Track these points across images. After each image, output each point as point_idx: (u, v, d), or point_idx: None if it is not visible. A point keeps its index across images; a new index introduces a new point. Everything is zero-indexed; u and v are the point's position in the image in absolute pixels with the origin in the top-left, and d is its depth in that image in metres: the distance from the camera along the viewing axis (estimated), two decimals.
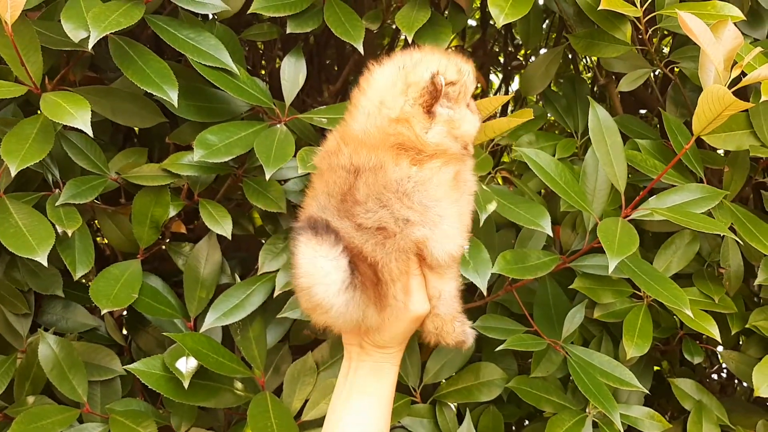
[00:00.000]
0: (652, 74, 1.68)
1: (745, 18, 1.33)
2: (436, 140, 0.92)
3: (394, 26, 2.55)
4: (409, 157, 0.90)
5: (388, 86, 0.93)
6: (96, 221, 1.54)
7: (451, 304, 1.00)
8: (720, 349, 1.83)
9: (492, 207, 1.21)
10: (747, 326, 1.52)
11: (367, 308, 0.92)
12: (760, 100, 1.28)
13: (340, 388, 1.01)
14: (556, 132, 2.25)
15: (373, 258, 0.89)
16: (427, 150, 0.91)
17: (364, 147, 0.90)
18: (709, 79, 1.23)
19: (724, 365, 2.26)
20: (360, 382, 0.99)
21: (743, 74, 1.23)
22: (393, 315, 0.94)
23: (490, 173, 1.57)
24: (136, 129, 1.88)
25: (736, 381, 2.29)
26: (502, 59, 2.80)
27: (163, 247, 1.53)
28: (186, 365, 1.29)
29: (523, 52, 2.76)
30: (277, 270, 1.38)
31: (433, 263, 0.95)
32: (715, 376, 2.30)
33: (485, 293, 1.24)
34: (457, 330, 1.01)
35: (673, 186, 1.40)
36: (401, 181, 0.89)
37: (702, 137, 1.40)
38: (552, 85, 1.74)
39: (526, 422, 1.83)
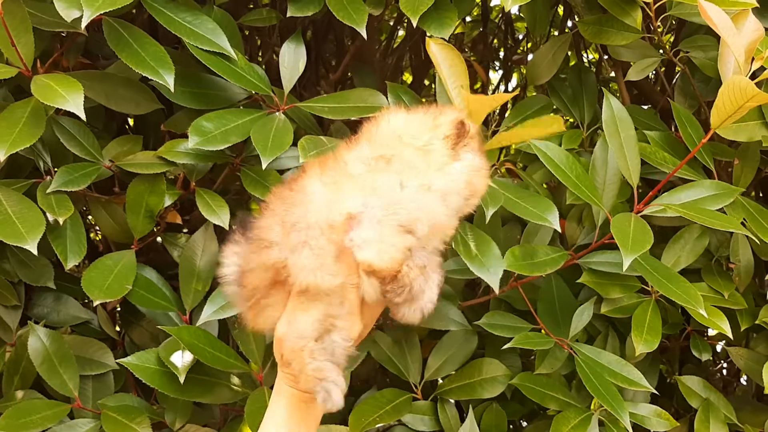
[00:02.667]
0: (657, 67, 1.65)
1: (758, 5, 1.29)
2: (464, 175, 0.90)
3: (391, 22, 2.54)
4: None
5: (412, 127, 0.89)
6: (88, 212, 1.50)
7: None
8: (721, 345, 1.80)
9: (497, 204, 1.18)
10: (757, 322, 1.49)
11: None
12: None
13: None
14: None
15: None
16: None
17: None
18: (729, 71, 1.20)
19: (725, 363, 2.24)
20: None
21: (761, 68, 1.20)
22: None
23: (494, 165, 1.53)
24: (131, 121, 1.84)
25: (736, 379, 2.27)
26: (502, 54, 2.77)
27: (158, 238, 1.49)
28: (181, 359, 1.25)
29: (521, 48, 2.73)
30: None
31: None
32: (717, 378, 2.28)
33: (497, 291, 1.21)
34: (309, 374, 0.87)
35: (683, 179, 1.37)
36: None
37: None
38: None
39: (525, 423, 1.80)
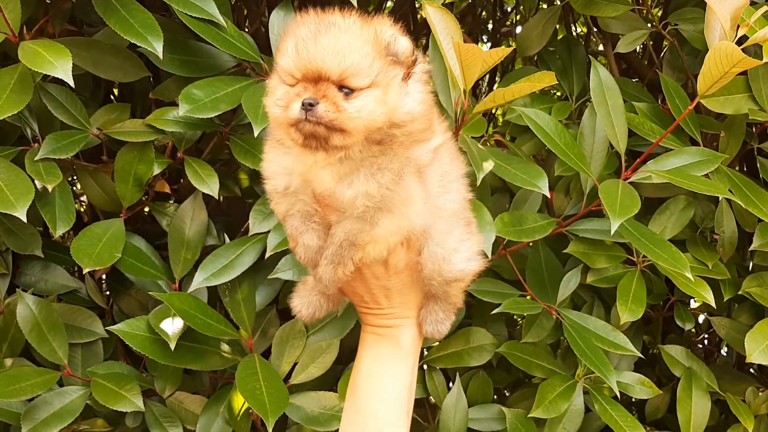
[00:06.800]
0: (646, 41, 1.65)
1: None
2: None
3: None
4: None
5: None
6: (77, 181, 1.49)
7: None
8: (702, 317, 1.82)
9: (489, 166, 1.17)
10: (740, 293, 1.51)
11: None
12: (762, 61, 1.26)
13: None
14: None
15: None
16: None
17: None
18: (715, 38, 1.20)
19: (707, 334, 2.26)
20: None
21: (744, 37, 1.21)
22: None
23: (482, 136, 1.54)
24: (116, 90, 1.82)
25: (717, 350, 2.30)
26: (490, 26, 2.76)
27: (147, 208, 1.49)
28: (172, 326, 1.25)
29: (510, 20, 2.72)
30: (268, 231, 1.34)
31: None
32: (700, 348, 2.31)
33: (489, 255, 1.21)
34: None
35: (670, 150, 1.38)
36: None
37: (700, 101, 1.37)
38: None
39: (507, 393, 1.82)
